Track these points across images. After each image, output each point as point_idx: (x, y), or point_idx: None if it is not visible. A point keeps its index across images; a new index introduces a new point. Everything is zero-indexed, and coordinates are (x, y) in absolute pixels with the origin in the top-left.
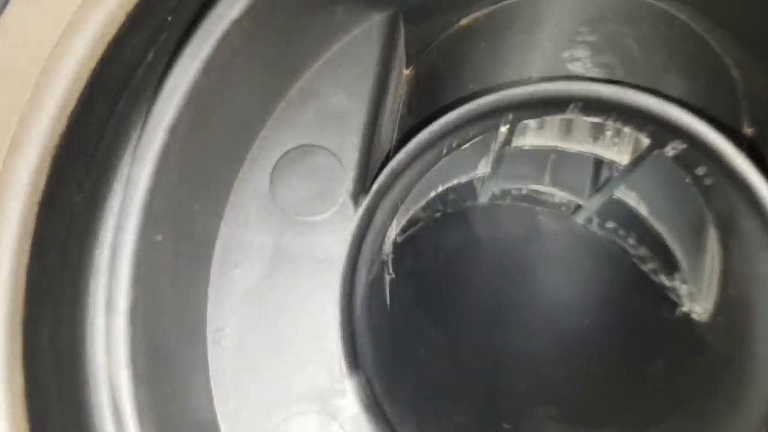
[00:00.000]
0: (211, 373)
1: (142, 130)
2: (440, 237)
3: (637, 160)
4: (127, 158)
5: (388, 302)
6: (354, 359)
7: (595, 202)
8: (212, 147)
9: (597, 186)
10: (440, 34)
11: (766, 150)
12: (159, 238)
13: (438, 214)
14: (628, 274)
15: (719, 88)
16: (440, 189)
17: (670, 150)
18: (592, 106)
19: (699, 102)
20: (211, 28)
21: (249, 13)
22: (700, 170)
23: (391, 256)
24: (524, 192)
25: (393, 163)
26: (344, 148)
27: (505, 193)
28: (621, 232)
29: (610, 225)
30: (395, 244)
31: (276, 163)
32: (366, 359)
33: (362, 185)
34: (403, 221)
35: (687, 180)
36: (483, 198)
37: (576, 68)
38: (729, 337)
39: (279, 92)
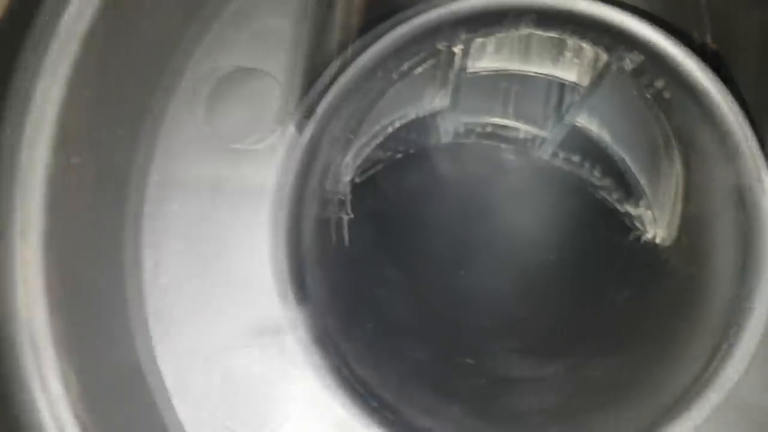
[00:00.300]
0: (149, 310)
1: (51, 38)
2: (402, 177)
3: (598, 80)
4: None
5: (347, 242)
6: (302, 292)
7: (559, 133)
8: (136, 67)
9: (560, 115)
10: None
11: (729, 64)
12: (76, 160)
13: (399, 155)
14: (593, 207)
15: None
16: (397, 124)
17: (629, 63)
18: (546, 18)
19: (660, 12)
20: None
21: None
22: (659, 83)
23: (349, 197)
24: (489, 129)
25: (337, 86)
26: (285, 71)
27: (468, 131)
28: (587, 164)
29: (576, 158)
30: (354, 185)
31: (212, 89)
32: (318, 296)
33: (306, 110)
34: (359, 161)
35: (647, 95)
36: (445, 137)
37: None
38: (692, 257)
39: (212, 11)
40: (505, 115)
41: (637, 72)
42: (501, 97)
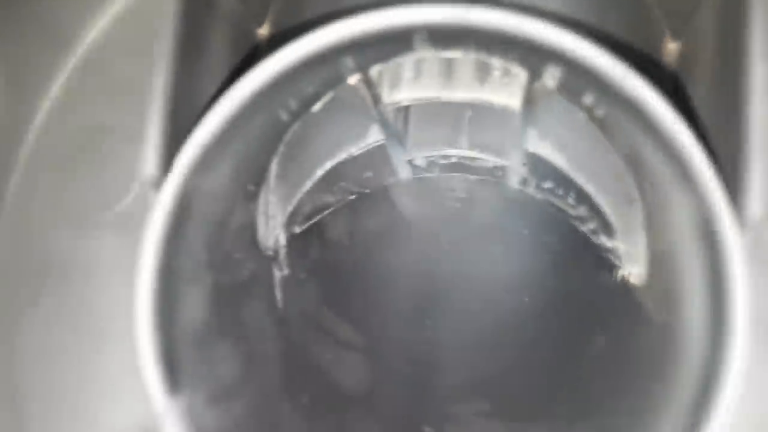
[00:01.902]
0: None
1: None
2: (356, 222)
3: (527, 101)
4: None
5: (280, 304)
6: (175, 384)
7: (515, 161)
8: None
9: (513, 141)
10: None
11: (694, 68)
12: None
13: (352, 196)
14: (568, 240)
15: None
16: (328, 166)
17: (550, 79)
18: (440, 35)
19: (589, 9)
20: None
21: None
22: (588, 99)
23: (283, 251)
24: (453, 160)
25: (199, 135)
26: (140, 124)
27: (431, 165)
28: (560, 191)
29: (548, 185)
30: (292, 237)
31: (58, 152)
32: (209, 384)
33: (165, 168)
34: (290, 208)
35: (580, 113)
36: (404, 173)
37: None
38: (663, 300)
39: (53, 68)
40: (462, 146)
41: (563, 88)
42: (454, 126)
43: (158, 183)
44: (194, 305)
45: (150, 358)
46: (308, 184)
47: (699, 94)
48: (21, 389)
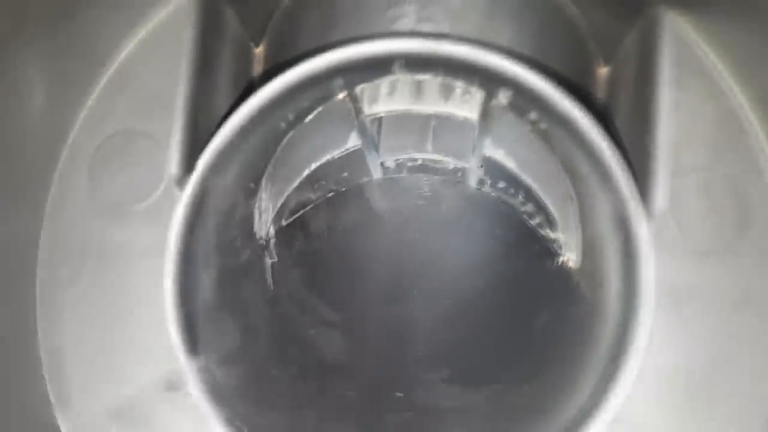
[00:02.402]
0: (45, 373)
1: None
2: (334, 216)
3: (485, 115)
4: None
5: (271, 286)
6: (193, 345)
7: (474, 164)
8: (19, 147)
9: (472, 147)
10: (276, 9)
11: (620, 90)
12: None
13: (331, 194)
14: (518, 232)
15: (557, 30)
16: (312, 167)
17: (503, 99)
18: (414, 62)
19: (531, 50)
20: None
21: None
22: (533, 115)
23: (273, 240)
24: (419, 163)
25: (216, 142)
26: (165, 131)
27: (400, 166)
28: (511, 190)
29: (502, 185)
30: (280, 228)
31: (94, 153)
32: (219, 347)
33: (187, 168)
34: (279, 203)
35: (527, 127)
36: (376, 173)
37: (403, 25)
38: (592, 279)
39: (87, 84)
40: (427, 150)
41: (513, 106)
42: (421, 134)
43: (181, 181)
44: (206, 284)
45: (175, 325)
46: (295, 184)
47: (621, 112)
48: (65, 351)
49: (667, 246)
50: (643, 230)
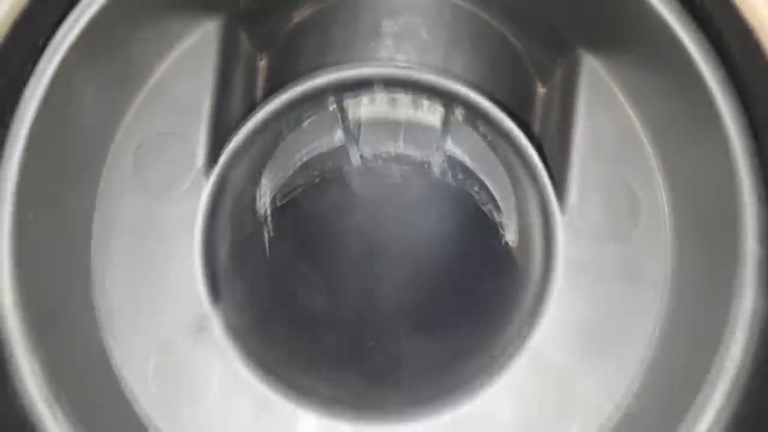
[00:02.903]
0: (99, 317)
1: (6, 135)
2: (319, 197)
3: (445, 124)
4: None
5: (268, 254)
6: (216, 296)
7: (437, 159)
8: (75, 142)
9: (436, 146)
10: (279, 30)
11: (551, 108)
12: (32, 215)
13: (317, 179)
14: (473, 215)
15: (504, 58)
16: (305, 158)
17: (459, 114)
18: (391, 84)
19: (484, 74)
20: (52, 54)
21: (84, 39)
22: (482, 129)
23: (270, 217)
24: (393, 155)
25: (234, 142)
26: (193, 133)
27: (375, 157)
28: (468, 181)
29: (461, 176)
30: (276, 207)
31: (137, 149)
32: (234, 298)
33: (211, 162)
34: (276, 187)
35: (477, 136)
36: (355, 161)
37: (383, 54)
38: (524, 255)
39: (131, 92)
40: (399, 145)
41: (466, 119)
42: (394, 133)
43: (207, 172)
44: (223, 250)
45: (201, 281)
46: (290, 171)
47: (551, 126)
48: (115, 303)
49: (576, 232)
50: (558, 219)
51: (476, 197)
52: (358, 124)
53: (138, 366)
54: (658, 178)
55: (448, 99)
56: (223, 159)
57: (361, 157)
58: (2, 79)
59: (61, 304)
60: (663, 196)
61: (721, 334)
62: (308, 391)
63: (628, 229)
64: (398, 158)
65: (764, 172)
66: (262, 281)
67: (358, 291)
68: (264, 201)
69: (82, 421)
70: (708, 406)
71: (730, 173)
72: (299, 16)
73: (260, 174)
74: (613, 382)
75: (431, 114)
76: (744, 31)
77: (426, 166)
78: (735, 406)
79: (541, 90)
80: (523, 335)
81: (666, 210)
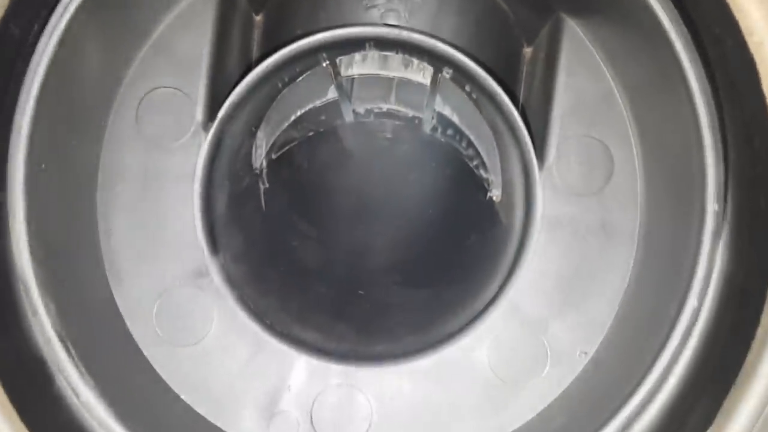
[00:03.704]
0: (104, 261)
1: (19, 92)
2: (313, 151)
3: (434, 83)
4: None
5: (264, 206)
6: (214, 246)
7: (429, 115)
8: (82, 96)
9: (427, 103)
10: None
11: (535, 67)
12: (43, 166)
13: (311, 133)
14: (460, 170)
15: (491, 20)
16: (299, 113)
17: (446, 73)
18: (381, 44)
19: (472, 34)
20: (60, 14)
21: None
22: (468, 87)
23: (265, 170)
24: (384, 110)
25: (231, 97)
26: (193, 88)
27: (368, 112)
28: (457, 137)
29: (450, 132)
30: (271, 160)
31: (140, 103)
32: (232, 249)
33: (209, 116)
34: (271, 141)
35: (464, 95)
36: (348, 117)
37: (373, 13)
38: (507, 210)
39: (134, 49)
40: (389, 102)
41: (454, 79)
42: (386, 90)
43: (206, 126)
44: (221, 202)
45: (201, 231)
46: (284, 125)
47: (534, 85)
48: (119, 249)
49: (554, 188)
50: (537, 176)
51: (464, 153)
52: (351, 81)
53: (142, 309)
54: (632, 138)
55: (437, 59)
56: (221, 114)
57: (354, 112)
58: (13, 37)
59: (69, 250)
60: (636, 155)
61: (684, 285)
62: (301, 334)
63: (603, 186)
64: (389, 114)
65: (724, 134)
66: (257, 232)
67: (349, 241)
68: (260, 154)
69: (89, 357)
70: (666, 350)
71: (696, 134)
72: None
73: (257, 128)
74: (584, 330)
75: (421, 73)
76: None
77: (416, 121)
78: (692, 349)
79: (527, 50)
80: (506, 284)
81: (638, 167)
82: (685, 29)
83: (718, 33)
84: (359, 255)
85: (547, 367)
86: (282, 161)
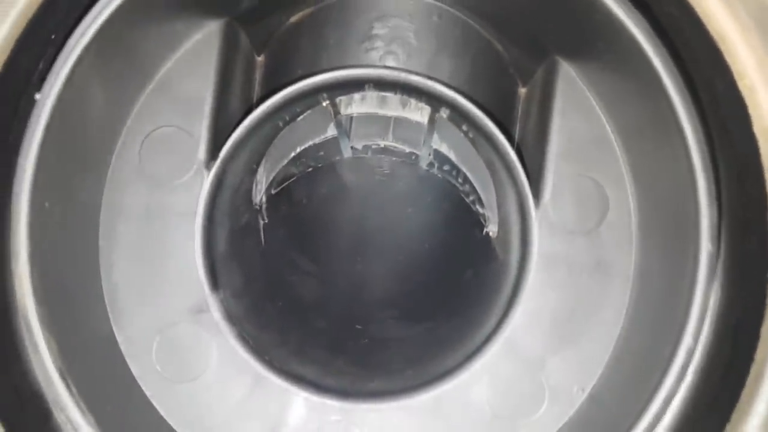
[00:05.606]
0: (106, 298)
1: (24, 131)
2: (312, 187)
3: (431, 121)
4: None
5: (263, 242)
6: (214, 282)
7: (425, 152)
8: (86, 135)
9: (424, 140)
10: (276, 30)
11: (530, 107)
12: (46, 204)
13: (310, 168)
14: (457, 206)
15: (487, 61)
16: (298, 150)
17: (443, 113)
18: (380, 85)
19: (468, 75)
20: (67, 55)
21: (96, 41)
22: (465, 127)
23: (265, 205)
24: (382, 146)
25: (233, 137)
26: (196, 127)
27: (365, 148)
28: (453, 173)
29: (447, 168)
30: (270, 195)
31: (142, 143)
32: (231, 284)
33: (212, 155)
34: (271, 177)
35: (461, 134)
36: (346, 153)
37: (373, 55)
38: (503, 246)
39: (138, 89)
40: (386, 139)
41: (451, 118)
42: (384, 127)
43: (208, 165)
44: (221, 238)
45: (201, 268)
46: (284, 162)
47: (529, 125)
48: (120, 285)
49: (550, 226)
50: (533, 214)
51: (460, 189)
52: (350, 119)
53: (142, 345)
54: (626, 178)
55: (434, 99)
56: (223, 153)
57: (352, 148)
58: (19, 75)
59: (71, 287)
60: (630, 195)
61: (680, 324)
62: (300, 370)
63: (597, 224)
64: (387, 150)
65: (717, 175)
66: (257, 267)
67: (347, 277)
68: (260, 190)
69: (90, 393)
70: (663, 386)
71: (689, 175)
72: (295, 17)
73: (257, 165)
74: (581, 367)
75: (418, 112)
76: (706, 43)
77: (413, 157)
78: (688, 385)
79: (522, 90)
80: (501, 321)
81: (632, 208)
82: (677, 73)
83: (710, 77)
84: (357, 289)
85: (545, 404)
86: (281, 196)
